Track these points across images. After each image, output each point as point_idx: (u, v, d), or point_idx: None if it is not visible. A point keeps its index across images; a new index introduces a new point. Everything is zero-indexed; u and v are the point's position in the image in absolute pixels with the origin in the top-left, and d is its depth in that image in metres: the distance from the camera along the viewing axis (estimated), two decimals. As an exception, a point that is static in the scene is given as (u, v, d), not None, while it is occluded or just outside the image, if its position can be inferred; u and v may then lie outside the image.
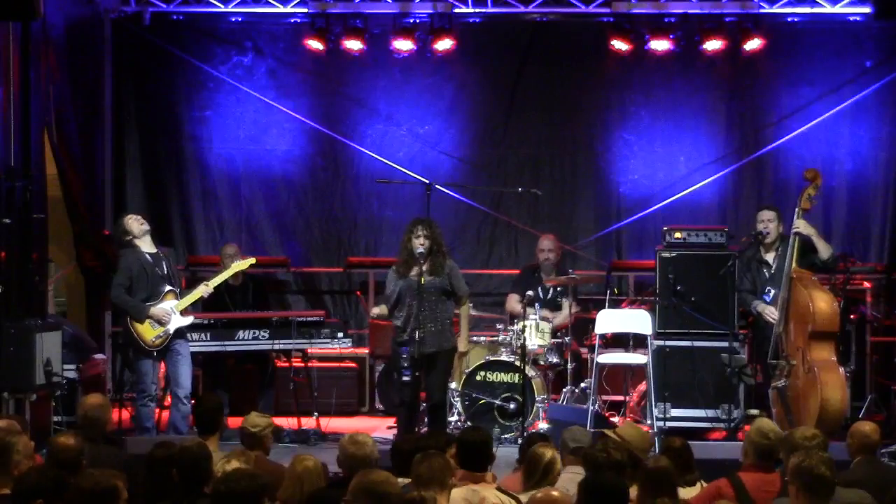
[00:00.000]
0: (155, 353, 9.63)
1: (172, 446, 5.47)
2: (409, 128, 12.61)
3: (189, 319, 9.73)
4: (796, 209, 9.39)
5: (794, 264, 9.18)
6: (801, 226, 9.33)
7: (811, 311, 8.90)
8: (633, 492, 5.78)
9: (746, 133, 12.45)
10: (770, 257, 9.82)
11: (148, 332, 9.60)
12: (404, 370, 8.89)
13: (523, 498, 5.71)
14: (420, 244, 9.08)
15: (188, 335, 9.91)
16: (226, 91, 12.55)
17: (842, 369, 8.95)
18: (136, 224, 9.72)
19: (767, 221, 9.83)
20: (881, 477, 6.20)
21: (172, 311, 9.61)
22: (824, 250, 9.48)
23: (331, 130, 12.52)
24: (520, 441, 9.13)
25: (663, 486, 5.31)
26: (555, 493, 4.75)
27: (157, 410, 10.08)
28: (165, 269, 9.72)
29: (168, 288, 9.67)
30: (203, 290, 9.89)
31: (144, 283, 9.63)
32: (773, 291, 9.60)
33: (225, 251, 11.23)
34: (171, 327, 9.61)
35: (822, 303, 8.98)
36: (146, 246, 9.71)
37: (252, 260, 10.28)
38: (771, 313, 9.49)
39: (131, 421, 10.05)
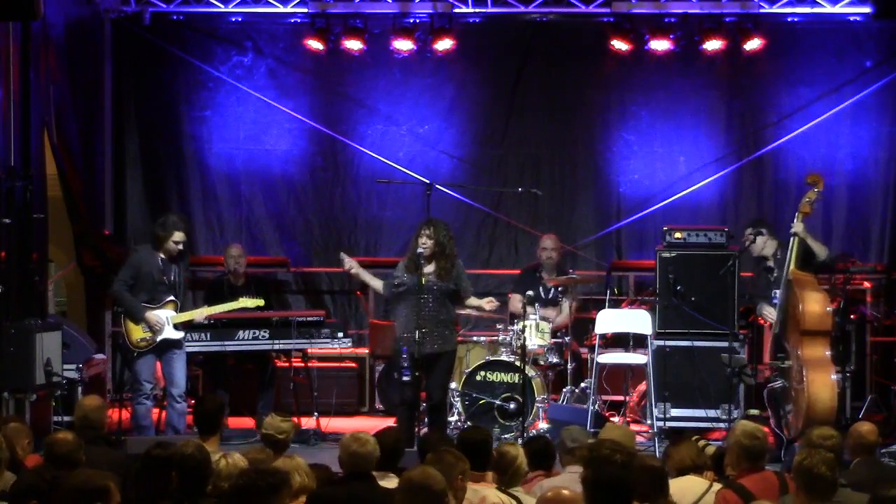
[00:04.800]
0: (136, 353, 9.61)
1: (170, 447, 5.46)
2: (409, 128, 12.61)
3: (180, 334, 9.69)
4: (797, 213, 9.36)
5: (792, 266, 9.16)
6: (798, 229, 9.30)
7: (801, 312, 8.91)
8: None
9: (746, 133, 12.45)
10: (771, 262, 9.87)
11: (136, 332, 9.59)
12: (404, 370, 8.90)
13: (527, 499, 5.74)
14: (422, 244, 9.10)
15: (187, 335, 9.91)
16: (226, 91, 12.55)
17: (833, 369, 8.91)
18: (171, 241, 9.57)
19: (747, 236, 9.90)
20: (881, 477, 6.20)
21: (167, 322, 9.59)
22: (820, 251, 9.47)
23: (331, 130, 12.52)
24: (520, 441, 9.14)
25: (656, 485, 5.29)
26: (565, 493, 4.73)
27: (157, 410, 10.09)
28: (173, 278, 9.70)
29: (170, 298, 9.67)
30: (201, 312, 9.89)
31: (148, 286, 9.61)
32: (777, 293, 9.58)
33: (229, 252, 11.20)
34: (160, 336, 9.58)
35: (813, 303, 8.95)
36: (162, 252, 9.68)
37: (261, 302, 10.17)
38: (769, 314, 9.53)
39: (131, 421, 10.05)
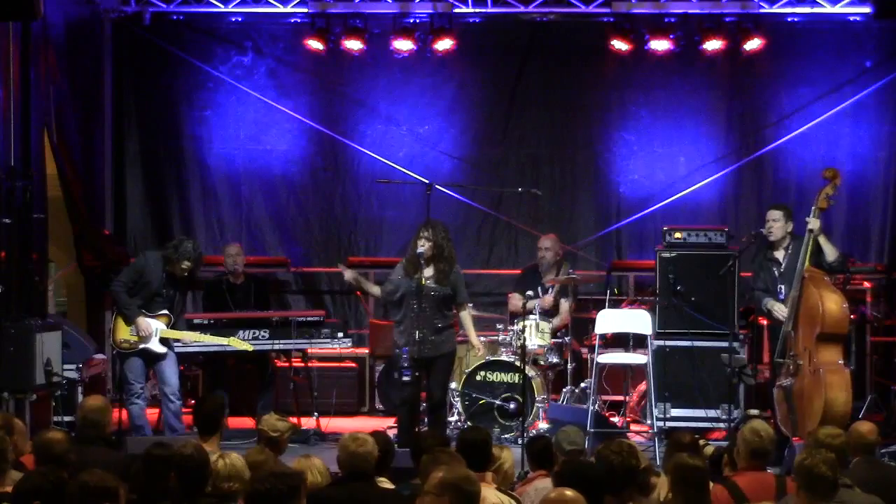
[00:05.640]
0: (115, 352, 9.67)
1: (169, 447, 5.46)
2: (409, 128, 12.61)
3: (163, 349, 9.67)
4: (813, 208, 9.25)
5: (806, 263, 9.09)
6: (815, 226, 9.22)
7: (820, 313, 8.81)
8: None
9: (746, 133, 12.45)
10: (780, 255, 9.63)
11: (123, 332, 9.59)
12: (404, 370, 8.90)
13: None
14: (421, 245, 9.10)
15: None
16: (226, 91, 12.56)
17: (847, 371, 8.91)
18: (179, 267, 9.62)
19: (773, 221, 9.66)
20: (881, 477, 6.20)
21: (155, 333, 9.60)
22: (831, 252, 9.32)
23: (331, 130, 12.52)
24: (520, 441, 9.14)
25: (696, 485, 5.30)
26: (568, 493, 4.72)
27: (158, 410, 10.08)
28: (172, 293, 9.72)
29: (164, 311, 9.67)
30: (191, 336, 9.91)
31: (145, 293, 9.61)
32: (783, 289, 9.48)
33: (227, 251, 11.19)
34: (143, 345, 9.58)
35: (833, 304, 8.88)
36: (169, 269, 9.69)
37: (249, 347, 10.11)
38: (780, 311, 9.36)
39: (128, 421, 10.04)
